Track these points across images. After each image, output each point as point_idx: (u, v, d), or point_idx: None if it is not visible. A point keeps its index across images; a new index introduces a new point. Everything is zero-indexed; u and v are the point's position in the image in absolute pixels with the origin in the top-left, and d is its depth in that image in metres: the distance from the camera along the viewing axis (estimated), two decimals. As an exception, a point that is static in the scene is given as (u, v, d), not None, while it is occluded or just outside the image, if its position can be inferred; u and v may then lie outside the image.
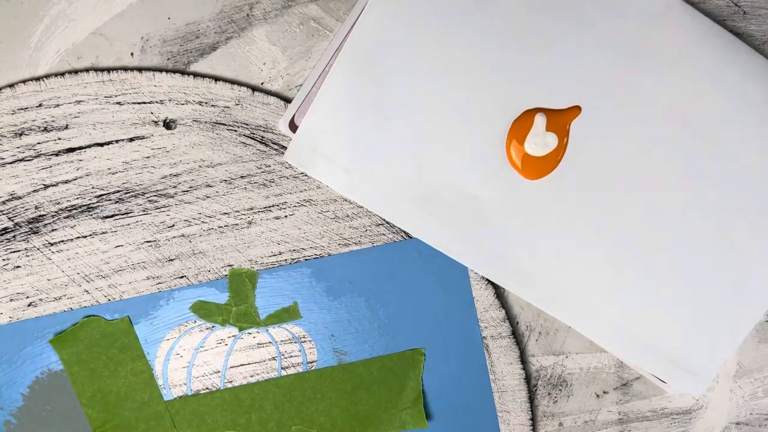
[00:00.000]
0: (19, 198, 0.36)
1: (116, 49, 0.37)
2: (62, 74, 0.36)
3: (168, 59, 0.37)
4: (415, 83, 0.36)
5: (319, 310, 0.38)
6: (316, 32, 0.37)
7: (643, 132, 0.37)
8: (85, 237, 0.37)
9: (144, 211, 0.37)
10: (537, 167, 0.37)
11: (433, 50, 0.36)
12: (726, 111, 0.37)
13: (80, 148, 0.36)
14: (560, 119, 0.37)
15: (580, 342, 0.39)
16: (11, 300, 0.37)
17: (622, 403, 0.40)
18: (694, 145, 0.37)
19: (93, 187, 0.37)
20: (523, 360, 0.40)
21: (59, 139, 0.36)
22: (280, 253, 0.38)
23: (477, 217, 0.38)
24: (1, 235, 0.37)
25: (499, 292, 0.39)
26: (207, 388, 0.38)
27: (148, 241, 0.37)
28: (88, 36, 0.36)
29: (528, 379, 0.40)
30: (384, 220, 0.38)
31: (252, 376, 0.38)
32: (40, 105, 0.36)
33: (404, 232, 0.38)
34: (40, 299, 0.37)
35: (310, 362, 0.38)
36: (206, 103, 0.37)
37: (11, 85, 0.36)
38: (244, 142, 0.37)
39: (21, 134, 0.36)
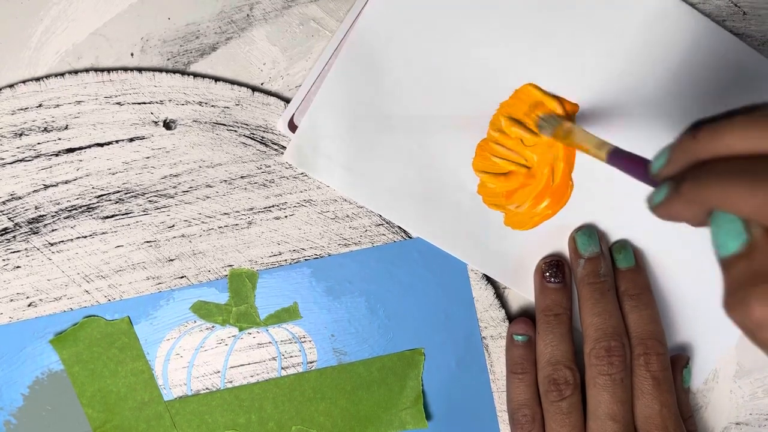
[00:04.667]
0: (19, 198, 0.36)
1: (116, 49, 0.37)
2: (62, 74, 0.36)
3: (168, 59, 0.37)
4: (415, 82, 0.36)
5: (319, 310, 0.38)
6: (316, 32, 0.37)
7: (642, 132, 0.37)
8: (85, 237, 0.37)
9: (144, 211, 0.37)
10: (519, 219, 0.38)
11: (432, 49, 0.36)
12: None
13: (80, 148, 0.36)
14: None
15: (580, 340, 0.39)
16: (11, 300, 0.37)
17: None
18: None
19: (93, 188, 0.37)
20: (523, 360, 0.40)
21: (59, 139, 0.36)
22: (280, 253, 0.38)
23: (478, 215, 0.38)
24: (1, 235, 0.37)
25: (499, 292, 0.39)
26: (207, 388, 0.38)
27: (148, 242, 0.37)
28: (88, 36, 0.36)
29: (528, 379, 0.40)
30: (384, 219, 0.38)
31: (252, 376, 0.38)
32: (40, 105, 0.36)
33: (404, 231, 0.38)
34: (40, 299, 0.37)
35: (310, 362, 0.38)
36: (206, 103, 0.37)
37: (11, 85, 0.36)
38: (244, 143, 0.37)
39: (21, 134, 0.36)
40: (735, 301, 0.22)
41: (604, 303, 0.36)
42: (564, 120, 0.35)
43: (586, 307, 0.36)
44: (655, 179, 0.26)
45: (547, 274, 0.37)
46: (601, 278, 0.36)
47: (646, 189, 0.37)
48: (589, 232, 0.37)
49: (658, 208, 0.25)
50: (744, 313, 0.21)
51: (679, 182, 0.24)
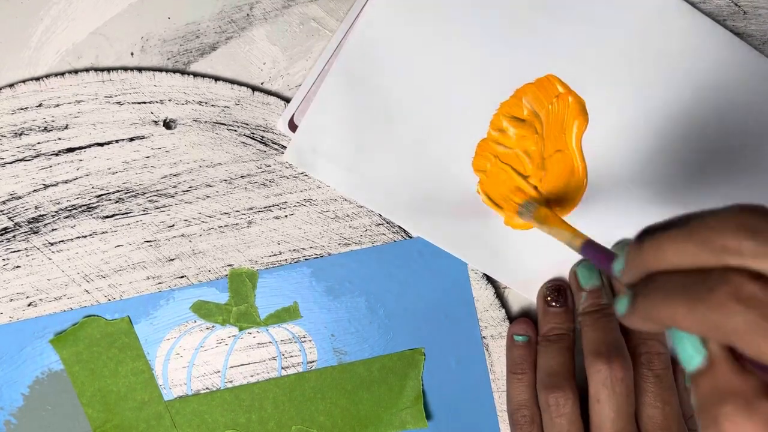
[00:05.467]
0: (19, 198, 0.36)
1: (116, 49, 0.37)
2: (62, 74, 0.36)
3: (168, 59, 0.37)
4: (415, 82, 0.36)
5: (319, 310, 0.38)
6: (316, 32, 0.37)
7: (642, 132, 0.37)
8: (85, 237, 0.37)
9: (144, 210, 0.37)
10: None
11: (433, 49, 0.36)
12: (726, 111, 0.37)
13: (80, 147, 0.36)
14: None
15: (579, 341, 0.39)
16: (11, 300, 0.37)
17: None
18: (694, 145, 0.37)
19: (93, 187, 0.37)
20: (523, 360, 0.40)
21: (59, 139, 0.36)
22: (280, 253, 0.38)
23: (478, 215, 0.38)
24: (1, 235, 0.37)
25: (499, 292, 0.39)
26: (207, 388, 0.38)
27: (148, 241, 0.37)
28: (88, 36, 0.36)
29: (528, 378, 0.40)
30: (384, 219, 0.38)
31: (252, 376, 0.38)
32: (40, 105, 0.36)
33: (404, 231, 0.38)
34: (40, 299, 0.37)
35: (310, 362, 0.38)
36: (206, 102, 0.37)
37: (11, 85, 0.36)
38: (244, 142, 0.37)
39: (21, 134, 0.36)
40: (708, 422, 0.22)
41: (604, 322, 0.36)
42: (541, 206, 0.35)
43: (587, 329, 0.36)
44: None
45: (549, 298, 0.37)
46: (602, 308, 0.36)
47: (645, 187, 0.38)
48: (589, 265, 0.37)
49: (622, 319, 0.24)
50: None
51: (634, 298, 0.23)
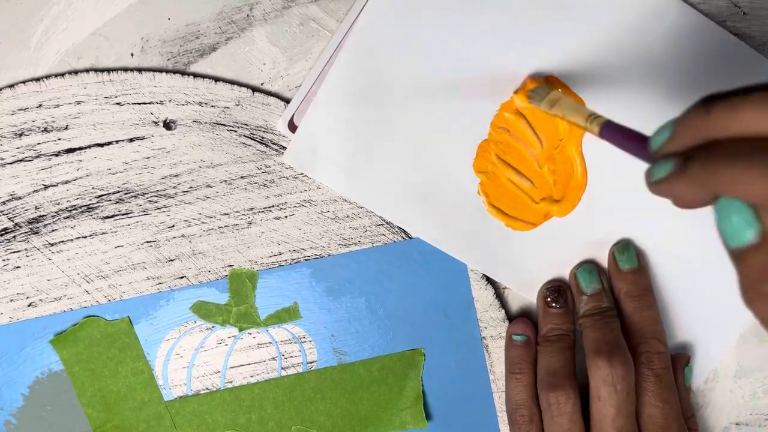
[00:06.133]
0: (19, 198, 0.36)
1: (116, 49, 0.37)
2: (62, 74, 0.36)
3: (168, 59, 0.37)
4: (415, 83, 0.36)
5: (319, 310, 0.38)
6: (316, 33, 0.37)
7: (642, 131, 0.37)
8: (85, 237, 0.37)
9: (144, 211, 0.37)
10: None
11: (433, 50, 0.36)
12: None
13: (80, 148, 0.36)
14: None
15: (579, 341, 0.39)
16: (11, 300, 0.37)
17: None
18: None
19: (93, 188, 0.37)
20: (523, 360, 0.40)
21: (59, 139, 0.36)
22: (280, 254, 0.38)
23: (477, 215, 0.38)
24: (1, 235, 0.37)
25: (499, 293, 0.39)
26: (207, 388, 0.38)
27: (148, 242, 0.37)
28: (88, 36, 0.36)
29: (528, 379, 0.40)
30: (384, 220, 0.38)
31: (252, 376, 0.38)
32: (40, 105, 0.36)
33: (404, 232, 0.38)
34: (40, 299, 0.37)
35: (310, 362, 0.38)
36: (206, 103, 0.37)
37: (11, 86, 0.36)
38: (244, 143, 0.37)
39: (21, 134, 0.36)
40: (757, 295, 0.21)
41: (605, 322, 0.36)
42: (553, 90, 0.34)
43: (588, 330, 0.36)
44: (653, 155, 0.24)
45: (549, 299, 0.37)
46: (603, 310, 0.36)
47: (645, 187, 0.37)
48: (589, 268, 0.37)
49: (657, 184, 0.23)
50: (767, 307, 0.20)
51: (687, 161, 0.22)
